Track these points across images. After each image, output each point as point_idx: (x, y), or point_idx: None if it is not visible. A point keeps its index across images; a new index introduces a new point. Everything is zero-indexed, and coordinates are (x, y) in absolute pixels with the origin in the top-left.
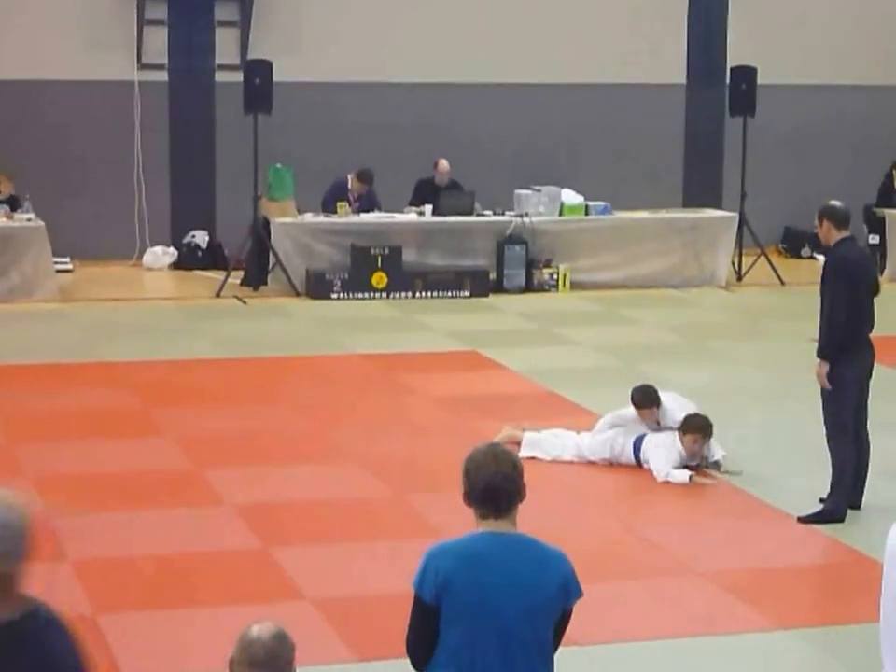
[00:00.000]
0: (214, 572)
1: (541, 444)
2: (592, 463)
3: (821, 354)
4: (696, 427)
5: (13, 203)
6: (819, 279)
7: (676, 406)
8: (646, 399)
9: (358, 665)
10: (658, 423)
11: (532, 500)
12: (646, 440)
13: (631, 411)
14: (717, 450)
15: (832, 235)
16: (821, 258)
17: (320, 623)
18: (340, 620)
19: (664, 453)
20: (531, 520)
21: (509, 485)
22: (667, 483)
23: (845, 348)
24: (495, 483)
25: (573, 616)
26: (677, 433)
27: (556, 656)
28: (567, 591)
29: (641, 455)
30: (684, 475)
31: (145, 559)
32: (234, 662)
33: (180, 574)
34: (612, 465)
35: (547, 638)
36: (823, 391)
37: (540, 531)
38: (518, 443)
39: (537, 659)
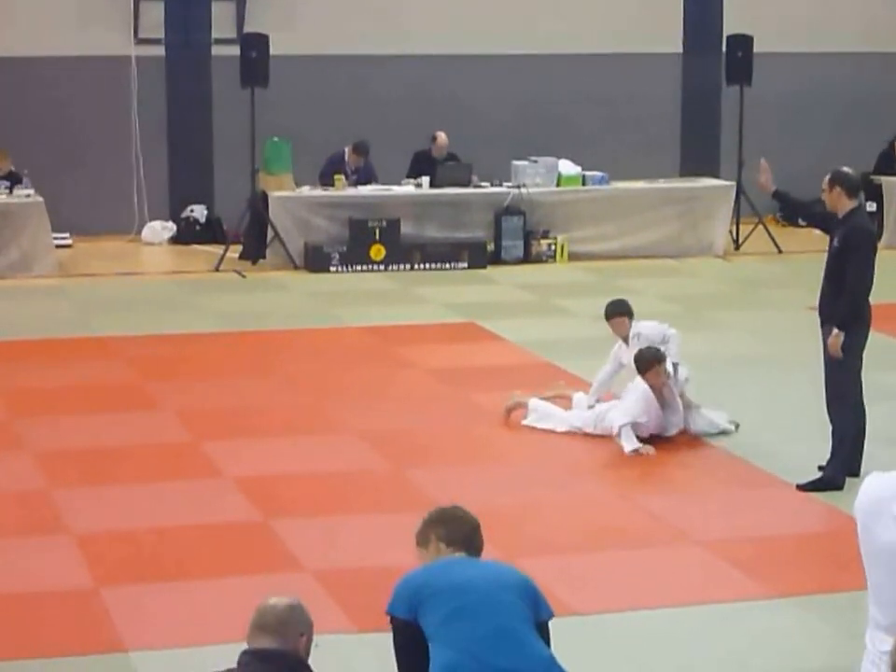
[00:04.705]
0: (214, 544)
1: (545, 413)
2: (587, 434)
3: (844, 325)
4: (648, 360)
5: (12, 179)
6: (838, 248)
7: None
8: (615, 309)
9: (358, 635)
10: (626, 341)
11: (529, 471)
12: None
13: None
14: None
15: (842, 203)
16: None
17: (320, 594)
18: (339, 591)
19: (627, 402)
20: (528, 491)
21: (480, 536)
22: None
23: (855, 317)
24: (469, 532)
25: (572, 585)
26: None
27: (555, 624)
28: (536, 601)
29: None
30: (631, 444)
31: (145, 532)
32: (249, 627)
33: (180, 546)
34: (603, 437)
35: (527, 609)
36: (828, 360)
37: (537, 501)
38: (525, 406)
39: (525, 623)
